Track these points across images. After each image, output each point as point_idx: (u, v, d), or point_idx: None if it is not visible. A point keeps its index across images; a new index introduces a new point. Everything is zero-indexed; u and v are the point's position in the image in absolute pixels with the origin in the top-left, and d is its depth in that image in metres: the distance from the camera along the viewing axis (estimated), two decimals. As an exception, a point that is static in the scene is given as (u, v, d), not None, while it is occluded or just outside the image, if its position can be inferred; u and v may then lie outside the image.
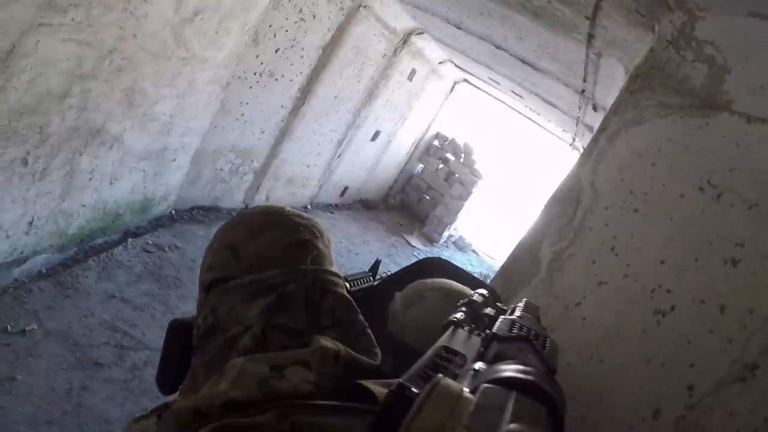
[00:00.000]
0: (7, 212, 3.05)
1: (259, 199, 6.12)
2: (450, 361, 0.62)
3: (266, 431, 0.59)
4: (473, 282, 1.37)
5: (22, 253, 3.35)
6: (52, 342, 3.12)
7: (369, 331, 0.84)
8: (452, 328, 0.76)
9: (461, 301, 0.90)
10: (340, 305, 0.83)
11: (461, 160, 10.30)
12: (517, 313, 0.78)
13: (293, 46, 5.01)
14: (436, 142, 10.57)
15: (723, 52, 1.32)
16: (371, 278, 1.53)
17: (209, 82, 4.23)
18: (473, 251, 10.37)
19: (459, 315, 0.81)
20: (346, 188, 8.28)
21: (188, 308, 3.86)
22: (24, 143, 2.89)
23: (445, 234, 9.59)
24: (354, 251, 6.92)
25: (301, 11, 4.74)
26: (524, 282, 1.60)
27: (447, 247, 9.68)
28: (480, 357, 0.63)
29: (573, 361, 1.30)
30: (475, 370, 0.56)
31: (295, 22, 4.79)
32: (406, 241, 8.66)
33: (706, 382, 1.05)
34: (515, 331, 0.69)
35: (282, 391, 0.64)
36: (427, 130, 9.91)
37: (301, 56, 5.24)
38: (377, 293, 1.38)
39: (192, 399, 0.65)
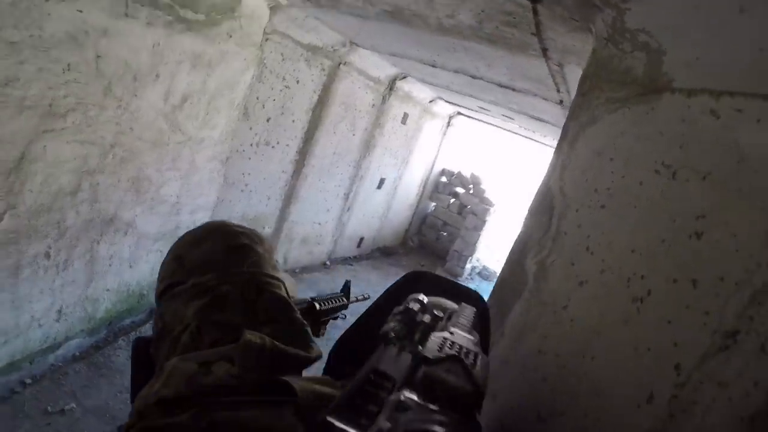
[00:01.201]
0: (37, 303, 3.29)
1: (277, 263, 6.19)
2: (380, 386, 0.61)
3: (185, 430, 0.62)
4: (464, 292, 1.37)
5: (55, 339, 3.56)
6: (91, 418, 3.29)
7: (307, 328, 0.88)
8: (382, 345, 0.75)
9: (397, 310, 0.89)
10: (275, 304, 0.87)
11: (471, 192, 10.34)
12: (452, 326, 0.76)
13: (283, 113, 5.16)
14: (443, 179, 10.65)
15: (655, 35, 1.36)
16: (344, 299, 1.60)
17: (209, 160, 4.39)
18: (499, 278, 10.26)
19: (392, 325, 0.80)
20: (361, 239, 8.33)
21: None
22: (45, 238, 3.15)
23: (468, 266, 9.53)
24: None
25: (284, 79, 4.91)
26: (515, 296, 1.62)
27: (472, 279, 9.62)
28: (408, 380, 0.62)
29: (568, 363, 1.31)
30: (400, 400, 0.55)
31: (281, 90, 4.95)
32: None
33: (691, 358, 1.04)
34: (446, 349, 0.68)
35: (207, 385, 0.67)
36: (432, 168, 9.99)
37: (293, 120, 5.39)
38: (372, 314, 1.38)
39: (136, 402, 0.69)
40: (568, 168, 1.56)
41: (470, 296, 1.25)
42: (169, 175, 3.97)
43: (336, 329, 1.42)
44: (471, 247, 9.52)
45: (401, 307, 0.90)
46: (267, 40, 4.39)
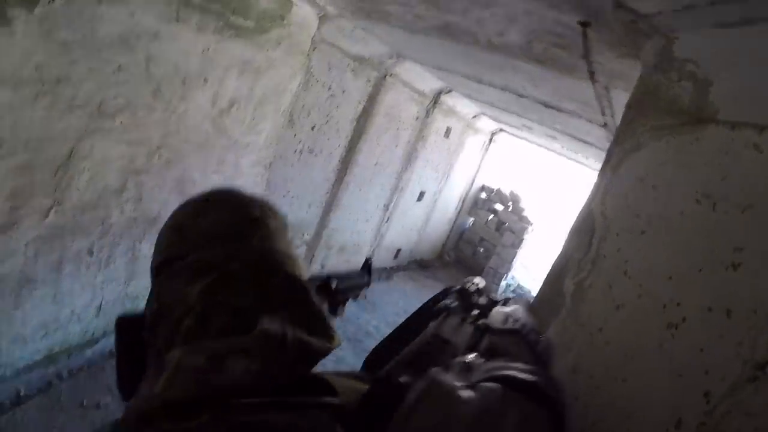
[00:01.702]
0: (78, 298, 3.39)
1: (315, 269, 6.28)
2: (441, 349, 0.64)
3: None
4: None
5: (93, 335, 3.65)
6: None
7: (324, 313, 0.77)
8: (444, 315, 0.77)
9: (453, 288, 0.90)
10: (290, 285, 0.77)
11: (509, 209, 10.29)
12: (511, 306, 0.78)
13: (328, 121, 5.23)
14: (482, 195, 10.63)
15: (702, 66, 1.37)
16: (364, 277, 1.50)
17: (253, 165, 4.48)
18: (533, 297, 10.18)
19: (449, 301, 0.81)
20: (398, 250, 8.37)
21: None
22: (89, 235, 3.25)
23: (503, 284, 9.48)
24: (411, 310, 6.92)
25: (330, 88, 4.99)
26: (553, 315, 1.64)
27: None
28: (472, 348, 0.64)
29: (600, 384, 1.32)
30: (466, 362, 0.58)
31: (326, 99, 5.03)
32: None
33: (721, 386, 1.06)
34: (509, 324, 0.69)
35: (222, 386, 0.58)
36: (472, 184, 9.99)
37: (337, 130, 5.46)
38: (411, 325, 1.36)
39: (135, 402, 0.61)
40: (611, 192, 1.58)
41: None
42: (213, 178, 4.05)
43: (349, 312, 1.34)
44: (507, 265, 9.47)
45: (457, 286, 0.91)
46: (315, 48, 4.46)
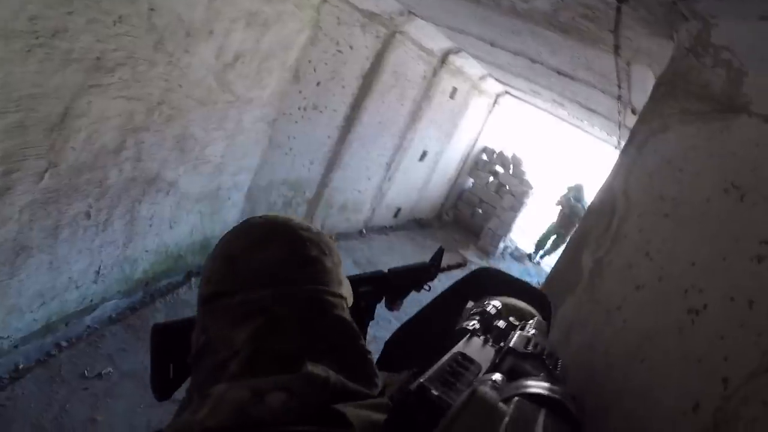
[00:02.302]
0: (75, 264, 3.25)
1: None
2: (466, 368, 0.66)
3: None
4: (529, 290, 1.42)
5: (91, 301, 3.54)
6: (128, 383, 3.26)
7: (370, 357, 0.78)
8: (468, 335, 0.81)
9: (474, 310, 0.94)
10: (338, 329, 0.77)
11: (510, 172, 10.30)
12: (531, 330, 0.83)
13: (334, 78, 5.16)
14: (484, 156, 10.61)
15: (738, 56, 1.36)
16: (430, 269, 1.49)
17: (256, 121, 4.39)
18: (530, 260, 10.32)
19: (473, 323, 0.87)
20: (398, 209, 8.40)
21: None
22: (86, 198, 3.08)
23: (501, 246, 9.58)
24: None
25: (338, 44, 4.90)
26: (569, 290, 1.67)
27: (503, 258, 9.67)
28: (494, 368, 0.68)
29: (616, 362, 1.36)
30: (492, 380, 0.61)
31: (333, 55, 4.95)
32: (462, 256, 8.69)
33: (740, 374, 1.08)
34: (530, 347, 0.75)
35: (258, 416, 0.60)
36: (474, 145, 9.96)
37: (343, 86, 5.39)
38: (436, 308, 1.38)
39: (173, 427, 0.63)
40: (634, 172, 1.59)
41: (535, 294, 1.31)
42: (214, 135, 3.95)
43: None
44: (506, 227, 9.55)
45: (478, 308, 0.95)
46: (325, 2, 4.35)
